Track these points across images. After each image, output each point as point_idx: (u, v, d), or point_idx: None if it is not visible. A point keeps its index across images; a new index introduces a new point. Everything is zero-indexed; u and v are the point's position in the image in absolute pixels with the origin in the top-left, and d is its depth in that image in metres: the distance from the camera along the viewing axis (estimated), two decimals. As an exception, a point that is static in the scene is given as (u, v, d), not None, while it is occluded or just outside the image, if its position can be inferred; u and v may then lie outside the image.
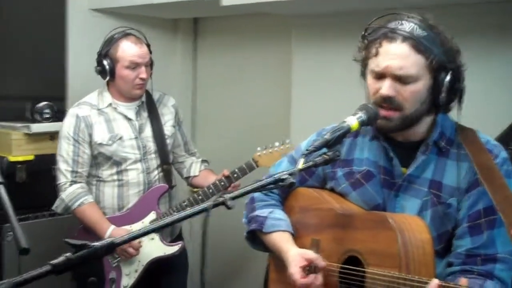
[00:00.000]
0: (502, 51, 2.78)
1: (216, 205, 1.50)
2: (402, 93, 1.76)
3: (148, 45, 3.13)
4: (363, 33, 1.85)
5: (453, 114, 1.87)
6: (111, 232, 2.99)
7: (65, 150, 3.05)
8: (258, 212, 2.12)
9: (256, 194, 2.17)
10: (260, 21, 3.95)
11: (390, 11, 1.84)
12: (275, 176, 1.61)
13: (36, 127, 3.36)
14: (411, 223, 1.77)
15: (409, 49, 1.73)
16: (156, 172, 3.16)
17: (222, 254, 4.11)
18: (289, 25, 3.67)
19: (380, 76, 1.78)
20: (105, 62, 3.03)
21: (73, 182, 3.04)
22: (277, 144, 3.18)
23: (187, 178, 3.36)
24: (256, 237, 2.14)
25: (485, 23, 2.78)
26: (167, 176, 3.18)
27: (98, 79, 3.14)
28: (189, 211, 1.50)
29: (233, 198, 1.52)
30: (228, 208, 1.50)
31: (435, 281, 1.60)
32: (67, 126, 3.06)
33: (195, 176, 3.34)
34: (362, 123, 1.77)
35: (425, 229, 1.77)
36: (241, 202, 1.57)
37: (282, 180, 1.60)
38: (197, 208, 1.50)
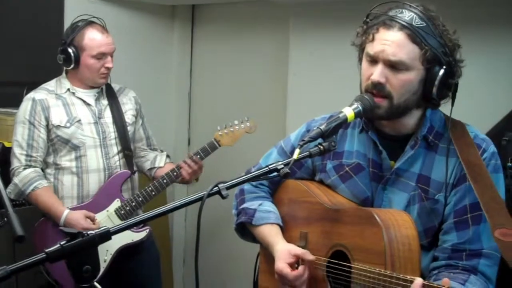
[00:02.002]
0: (496, 42, 2.78)
1: (211, 195, 1.51)
2: (393, 81, 1.75)
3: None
4: (365, 19, 1.85)
5: (446, 110, 1.86)
6: (67, 216, 2.94)
7: (20, 134, 2.99)
8: (247, 205, 2.13)
9: (246, 186, 2.17)
10: (258, 9, 3.95)
11: (390, -1, 1.83)
12: (271, 166, 1.61)
13: (32, 113, 3.33)
14: (398, 219, 1.77)
15: (404, 38, 1.72)
16: (117, 157, 3.10)
17: (216, 241, 4.14)
18: (287, 12, 3.66)
19: (373, 60, 1.78)
20: (70, 51, 2.98)
21: (27, 166, 2.98)
22: (236, 122, 3.21)
23: (150, 170, 3.30)
24: (246, 229, 2.16)
25: (491, 12, 2.78)
26: (128, 162, 3.13)
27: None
28: (184, 200, 1.51)
29: (228, 188, 1.53)
30: (223, 197, 1.52)
31: (419, 281, 1.60)
32: (23, 110, 3.01)
33: (160, 168, 3.28)
34: (358, 114, 1.76)
35: (411, 224, 1.77)
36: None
37: (278, 170, 1.60)
38: (191, 197, 1.51)
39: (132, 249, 3.10)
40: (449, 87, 1.77)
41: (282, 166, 1.60)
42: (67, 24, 3.64)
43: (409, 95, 1.77)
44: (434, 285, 1.58)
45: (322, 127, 1.69)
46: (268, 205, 2.12)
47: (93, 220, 2.99)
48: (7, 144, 3.27)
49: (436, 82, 1.75)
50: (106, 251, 3.02)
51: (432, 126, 1.86)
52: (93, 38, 2.98)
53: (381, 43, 1.75)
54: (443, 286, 1.56)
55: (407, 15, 1.74)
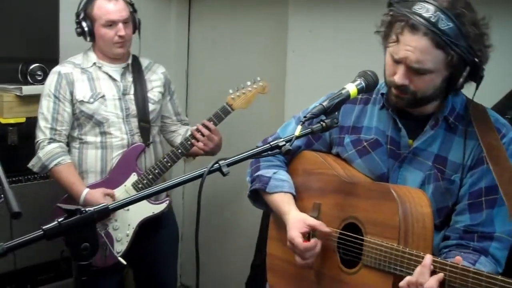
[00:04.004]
0: (498, 20, 2.75)
1: (211, 172, 1.50)
2: (416, 82, 1.75)
3: (130, 4, 3.06)
4: (389, 1, 1.80)
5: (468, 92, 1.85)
6: (86, 195, 2.94)
7: (45, 107, 2.99)
8: (262, 172, 2.14)
9: None
10: (257, -15, 3.90)
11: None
12: (272, 143, 1.61)
13: (28, 89, 3.30)
14: (414, 196, 1.78)
15: (429, 44, 1.68)
16: (139, 134, 3.10)
17: (214, 216, 4.13)
18: (286, -11, 3.61)
19: (397, 62, 1.77)
20: (84, 24, 2.97)
21: (52, 140, 2.99)
22: (248, 83, 3.14)
23: None
24: (259, 196, 2.17)
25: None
26: (144, 134, 3.10)
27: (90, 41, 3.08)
28: (184, 177, 1.51)
29: (229, 165, 1.52)
30: (224, 174, 1.52)
31: (429, 257, 1.61)
32: (48, 83, 3.02)
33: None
34: (361, 90, 1.78)
35: (427, 203, 1.77)
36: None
37: (279, 147, 1.60)
38: (192, 174, 1.52)
39: (154, 223, 3.11)
40: (473, 79, 1.76)
41: (284, 143, 1.61)
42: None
43: (433, 90, 1.78)
44: (445, 261, 1.59)
45: (325, 103, 1.70)
46: (283, 174, 2.13)
47: (112, 196, 2.99)
48: (2, 121, 3.24)
49: (461, 80, 1.74)
50: (128, 226, 3.04)
51: (454, 108, 1.86)
52: (100, 6, 2.95)
53: (405, 48, 1.71)
54: (457, 263, 1.57)
55: (432, 14, 1.67)
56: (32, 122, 3.17)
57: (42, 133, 2.99)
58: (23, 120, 3.30)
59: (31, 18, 3.47)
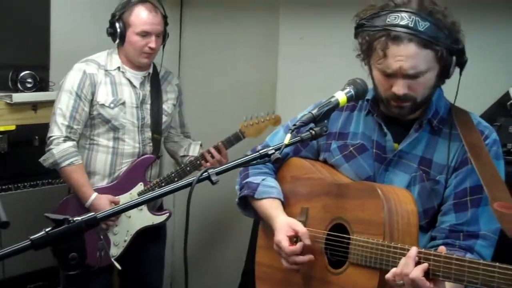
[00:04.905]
0: (488, 27, 2.76)
1: (200, 180, 1.50)
2: (415, 87, 1.78)
3: (165, 17, 3.08)
4: (357, 23, 1.84)
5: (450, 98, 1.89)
6: (94, 200, 2.96)
7: (65, 103, 2.96)
8: (251, 179, 2.15)
9: None
10: (248, -8, 3.90)
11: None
12: (261, 151, 1.61)
13: (18, 97, 3.29)
14: (399, 194, 1.80)
15: (416, 48, 1.72)
16: (151, 144, 3.12)
17: (205, 225, 4.13)
18: (277, -3, 3.62)
19: (391, 75, 1.79)
20: (117, 25, 2.97)
21: (67, 139, 2.97)
22: (263, 114, 3.16)
23: (183, 157, 3.30)
24: (248, 203, 2.18)
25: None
26: (155, 146, 3.13)
27: (83, 48, 3.08)
28: (174, 185, 1.50)
29: (218, 173, 1.52)
30: (213, 183, 1.51)
31: (414, 249, 1.62)
32: (71, 79, 2.98)
33: (192, 157, 3.25)
34: (351, 98, 1.78)
35: (411, 200, 1.79)
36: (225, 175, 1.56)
37: (268, 155, 1.60)
38: (181, 182, 1.52)
39: (152, 232, 3.16)
40: (461, 66, 1.83)
41: (273, 151, 1.61)
42: (53, 5, 3.60)
43: (430, 90, 1.83)
44: (429, 251, 1.61)
45: (314, 111, 1.71)
46: (271, 181, 2.15)
47: (117, 204, 2.97)
48: (-7, 126, 3.23)
49: (451, 70, 1.80)
50: (127, 232, 3.07)
51: (437, 111, 1.90)
52: (139, 15, 2.96)
53: (396, 59, 1.74)
54: (440, 252, 1.59)
55: (408, 20, 1.72)
56: (22, 130, 3.16)
57: (58, 129, 2.96)
58: (13, 127, 3.29)
59: (22, 25, 3.46)
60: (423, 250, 1.63)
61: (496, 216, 1.66)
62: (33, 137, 3.28)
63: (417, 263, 1.61)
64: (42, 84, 3.41)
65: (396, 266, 1.65)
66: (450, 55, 1.77)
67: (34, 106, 3.38)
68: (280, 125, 3.17)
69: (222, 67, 4.14)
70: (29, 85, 3.34)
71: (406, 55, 1.72)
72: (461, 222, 1.79)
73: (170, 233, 4.46)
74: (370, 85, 1.88)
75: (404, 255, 1.64)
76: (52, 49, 3.56)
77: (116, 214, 1.39)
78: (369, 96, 1.94)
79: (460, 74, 1.84)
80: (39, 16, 3.52)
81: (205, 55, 4.26)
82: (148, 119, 3.09)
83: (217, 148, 3.10)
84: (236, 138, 3.12)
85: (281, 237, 1.93)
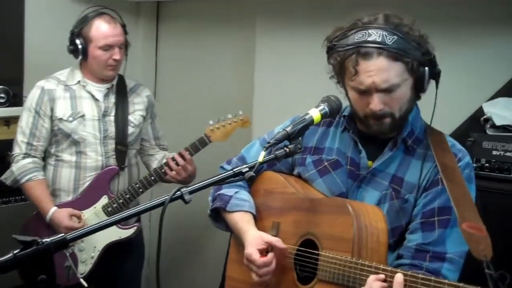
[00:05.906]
0: (461, 42, 2.79)
1: (173, 199, 1.49)
2: (391, 102, 1.79)
3: (124, 26, 3.05)
4: (328, 46, 1.86)
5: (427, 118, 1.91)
6: (53, 213, 2.93)
7: (25, 121, 2.98)
8: (223, 191, 2.14)
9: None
10: (224, 5, 3.91)
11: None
12: (235, 169, 1.61)
13: (-8, 112, 3.26)
14: (369, 211, 1.81)
15: (387, 61, 1.74)
16: (114, 156, 3.07)
17: (180, 239, 4.11)
18: (253, 9, 3.63)
19: (365, 92, 1.79)
20: (77, 41, 2.94)
21: (27, 155, 2.98)
22: (229, 116, 3.10)
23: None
24: (219, 215, 2.17)
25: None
26: (120, 157, 3.07)
27: (57, 63, 3.04)
28: (146, 205, 1.50)
29: (191, 192, 1.51)
30: (186, 202, 1.50)
31: (399, 276, 1.60)
32: (31, 97, 2.99)
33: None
34: (325, 115, 1.80)
35: (382, 218, 1.80)
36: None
37: (243, 173, 1.60)
38: (154, 202, 1.51)
39: (120, 247, 3.07)
40: (435, 78, 1.84)
41: (247, 169, 1.61)
42: (27, 20, 3.56)
43: (407, 104, 1.83)
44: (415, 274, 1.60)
45: (288, 129, 1.71)
46: (244, 194, 2.14)
47: (79, 217, 2.97)
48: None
49: (425, 82, 1.81)
50: (94, 248, 3.00)
51: (413, 131, 1.91)
52: (99, 29, 2.93)
53: (367, 75, 1.76)
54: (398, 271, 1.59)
55: (375, 36, 1.74)
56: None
57: (18, 147, 2.98)
58: (-14, 143, 3.25)
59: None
60: (386, 267, 1.64)
61: (464, 237, 1.66)
62: (6, 153, 3.24)
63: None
64: (15, 99, 3.39)
65: (363, 284, 1.65)
66: (421, 66, 1.78)
67: (7, 121, 3.35)
68: (249, 126, 3.17)
69: (198, 80, 4.13)
70: (2, 100, 3.31)
71: (377, 69, 1.74)
72: (427, 242, 1.79)
73: (146, 248, 4.44)
74: (345, 103, 1.89)
75: (371, 272, 1.64)
76: (26, 64, 3.52)
77: (87, 235, 1.37)
78: (346, 112, 1.96)
79: (437, 87, 1.85)
80: (13, 30, 3.49)
81: (182, 68, 4.26)
82: (112, 131, 3.05)
83: (181, 155, 3.04)
84: (202, 143, 3.05)
85: (251, 250, 1.92)
